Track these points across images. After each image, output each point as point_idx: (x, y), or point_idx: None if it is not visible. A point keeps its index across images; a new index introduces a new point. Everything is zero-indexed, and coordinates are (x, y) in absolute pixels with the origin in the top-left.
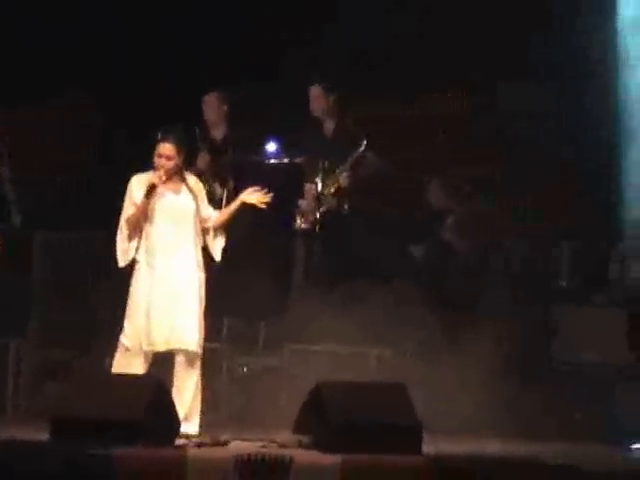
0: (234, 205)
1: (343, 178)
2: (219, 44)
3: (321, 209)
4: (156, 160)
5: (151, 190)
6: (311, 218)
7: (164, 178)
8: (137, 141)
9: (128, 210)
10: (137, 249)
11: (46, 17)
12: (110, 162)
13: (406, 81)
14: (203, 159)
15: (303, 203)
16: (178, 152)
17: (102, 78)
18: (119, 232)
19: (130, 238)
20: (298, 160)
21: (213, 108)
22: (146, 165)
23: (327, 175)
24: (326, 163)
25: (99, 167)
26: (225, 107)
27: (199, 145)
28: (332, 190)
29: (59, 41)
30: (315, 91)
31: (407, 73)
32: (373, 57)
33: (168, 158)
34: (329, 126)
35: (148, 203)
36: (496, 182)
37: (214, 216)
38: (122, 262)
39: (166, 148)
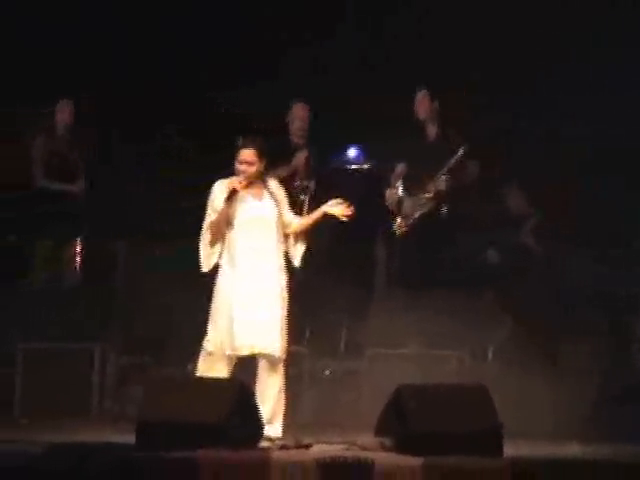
0: (316, 214)
1: (442, 182)
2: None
3: (418, 213)
4: (237, 166)
5: (232, 195)
6: (409, 221)
7: (244, 183)
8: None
9: (210, 216)
10: (220, 254)
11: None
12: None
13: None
14: (300, 157)
15: (405, 205)
16: (259, 158)
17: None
18: (202, 238)
19: (212, 244)
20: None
21: (300, 117)
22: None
23: (426, 179)
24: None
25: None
26: (310, 115)
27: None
28: (431, 194)
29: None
30: (421, 96)
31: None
32: None
33: (249, 164)
34: (432, 131)
35: (229, 208)
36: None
37: (295, 222)
38: (205, 267)
39: (246, 154)
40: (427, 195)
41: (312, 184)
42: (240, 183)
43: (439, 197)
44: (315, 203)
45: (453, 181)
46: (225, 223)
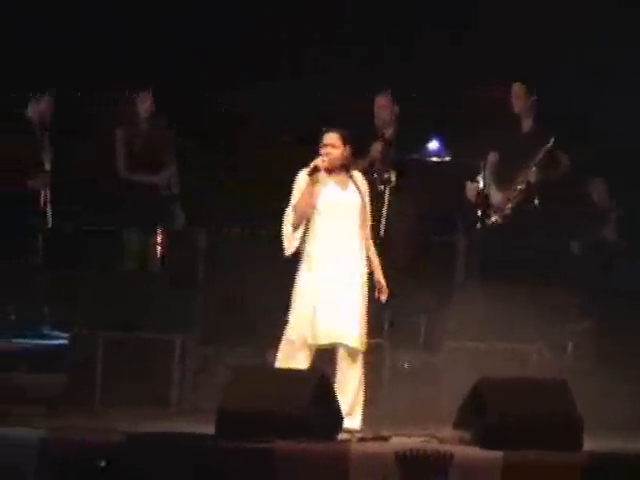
0: (380, 276)
1: (532, 174)
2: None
3: (510, 205)
4: (321, 150)
5: (313, 172)
6: (502, 214)
7: (326, 162)
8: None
9: (294, 199)
10: (302, 240)
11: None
12: None
13: None
14: (376, 148)
15: (495, 197)
16: (343, 142)
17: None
18: (285, 220)
19: (295, 226)
20: (491, 154)
21: (385, 109)
22: None
23: (517, 171)
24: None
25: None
26: (396, 107)
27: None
28: (523, 186)
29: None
30: (517, 89)
31: None
32: None
33: (333, 146)
34: (527, 124)
35: (312, 187)
36: None
37: (372, 251)
38: (289, 250)
39: (330, 137)
40: (519, 187)
41: (392, 175)
42: (323, 162)
43: (530, 189)
44: (396, 194)
45: (544, 174)
46: (308, 205)
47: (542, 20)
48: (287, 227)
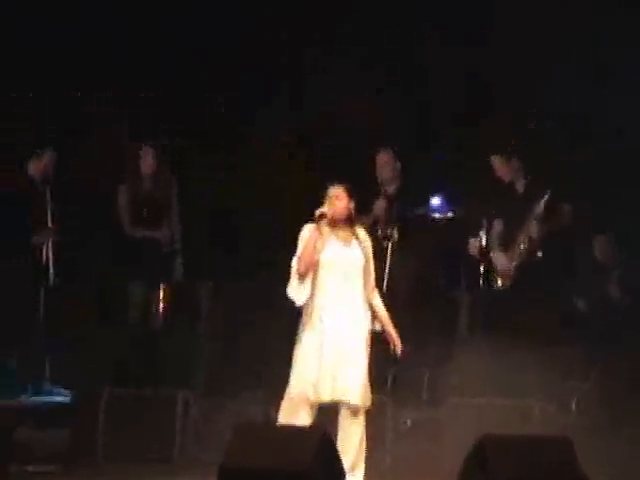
0: (391, 329)
1: (533, 228)
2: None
3: (514, 264)
4: (326, 203)
5: (320, 219)
6: (509, 274)
7: (332, 211)
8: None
9: (299, 250)
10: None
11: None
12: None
13: None
14: (380, 205)
15: (500, 261)
16: (348, 195)
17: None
18: (292, 271)
19: (301, 277)
20: (464, 214)
21: (387, 165)
22: None
23: (519, 231)
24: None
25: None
26: (398, 164)
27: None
28: (525, 243)
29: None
30: (496, 162)
31: None
32: None
33: (337, 198)
34: (520, 186)
35: (317, 239)
36: None
37: (380, 306)
38: (299, 301)
39: (335, 189)
40: (521, 245)
41: (395, 232)
42: (329, 210)
43: (532, 245)
44: (398, 250)
45: (546, 226)
46: (312, 257)
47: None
48: (294, 278)
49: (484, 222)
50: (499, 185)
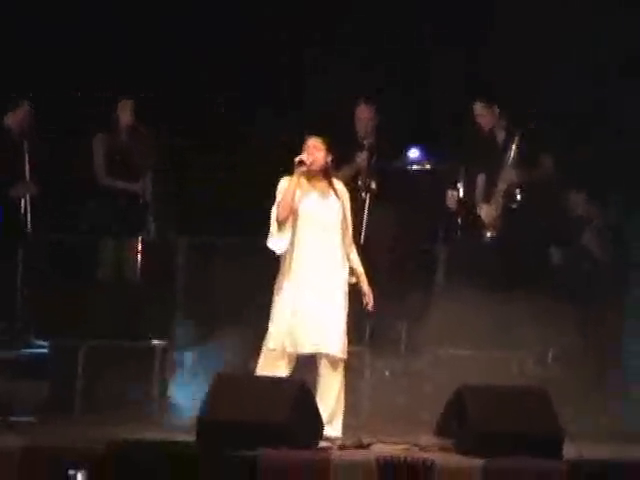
0: (365, 285)
1: (512, 174)
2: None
3: (497, 212)
4: (304, 153)
5: (299, 165)
6: (495, 225)
7: (310, 160)
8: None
9: (278, 198)
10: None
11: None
12: None
13: None
14: (361, 157)
15: (485, 212)
16: (326, 147)
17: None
18: (271, 222)
19: (281, 224)
20: (442, 166)
21: (364, 120)
22: None
23: (496, 180)
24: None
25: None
26: (377, 118)
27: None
28: (504, 187)
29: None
30: (478, 108)
31: None
32: None
33: (316, 148)
34: (500, 135)
35: (295, 188)
36: None
37: (355, 261)
38: (278, 250)
39: (313, 140)
40: (500, 189)
41: (373, 183)
42: (307, 159)
43: (511, 190)
44: (377, 203)
45: (526, 175)
46: (291, 205)
47: (542, 20)
48: (273, 227)
49: (462, 174)
50: (479, 135)
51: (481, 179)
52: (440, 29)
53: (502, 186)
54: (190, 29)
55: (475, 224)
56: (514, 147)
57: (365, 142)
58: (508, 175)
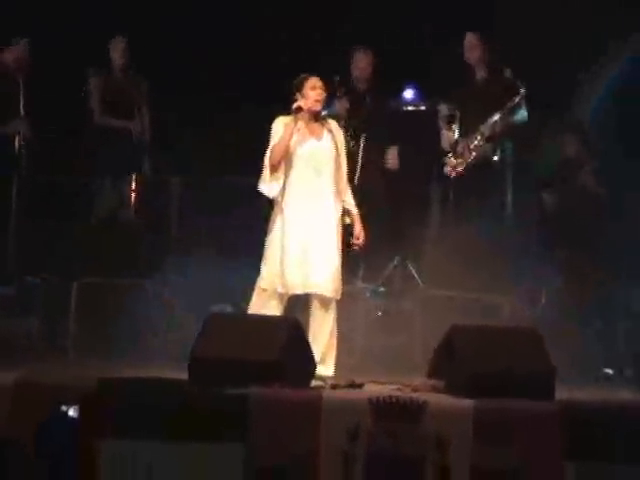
0: (358, 225)
1: (495, 124)
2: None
3: (472, 155)
4: (310, 92)
5: (297, 111)
6: (464, 164)
7: (308, 103)
8: None
9: (273, 141)
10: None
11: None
12: None
13: None
14: (342, 104)
15: (460, 148)
16: (324, 88)
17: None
18: (264, 166)
19: (274, 168)
20: (438, 106)
21: (361, 63)
22: None
23: (478, 122)
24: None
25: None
26: (372, 62)
27: (337, 93)
28: (485, 136)
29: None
30: (471, 38)
31: None
32: None
33: (313, 89)
34: (482, 74)
35: (291, 130)
36: None
37: (348, 202)
38: (270, 193)
39: (318, 80)
40: (479, 137)
41: (362, 138)
42: (311, 102)
43: (493, 139)
44: (370, 144)
45: (505, 124)
46: (285, 148)
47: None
48: (266, 171)
49: (457, 113)
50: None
51: (444, 109)
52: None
53: (483, 134)
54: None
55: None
56: (513, 102)
57: (362, 87)
58: (492, 124)
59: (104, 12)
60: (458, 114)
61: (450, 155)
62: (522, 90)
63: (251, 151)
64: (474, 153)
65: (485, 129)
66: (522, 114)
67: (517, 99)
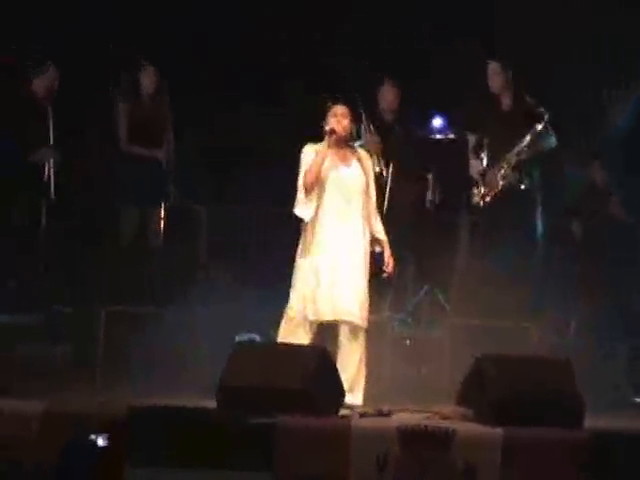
0: (387, 253)
1: (522, 152)
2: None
3: (501, 184)
4: (330, 120)
5: (330, 135)
6: (493, 192)
7: (341, 128)
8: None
9: (304, 168)
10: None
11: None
12: None
13: None
14: (371, 136)
15: (488, 177)
16: (352, 115)
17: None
18: (299, 190)
19: (308, 193)
20: (466, 136)
21: (389, 96)
22: None
23: (505, 150)
24: (499, 138)
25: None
26: (399, 94)
27: (364, 126)
28: (512, 164)
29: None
30: (493, 67)
31: None
32: None
33: (343, 116)
34: (506, 102)
35: (322, 157)
36: None
37: (378, 230)
38: (306, 217)
39: (340, 108)
40: (506, 165)
41: (384, 167)
42: (338, 124)
43: (519, 167)
44: (400, 175)
45: (532, 151)
46: (317, 174)
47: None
48: (300, 194)
49: (485, 143)
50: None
51: (473, 139)
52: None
53: (510, 162)
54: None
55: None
56: (537, 130)
57: (390, 118)
58: (519, 153)
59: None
60: (486, 143)
61: (479, 185)
62: (546, 116)
63: (279, 180)
64: (502, 182)
65: (512, 157)
66: (549, 140)
67: (541, 126)
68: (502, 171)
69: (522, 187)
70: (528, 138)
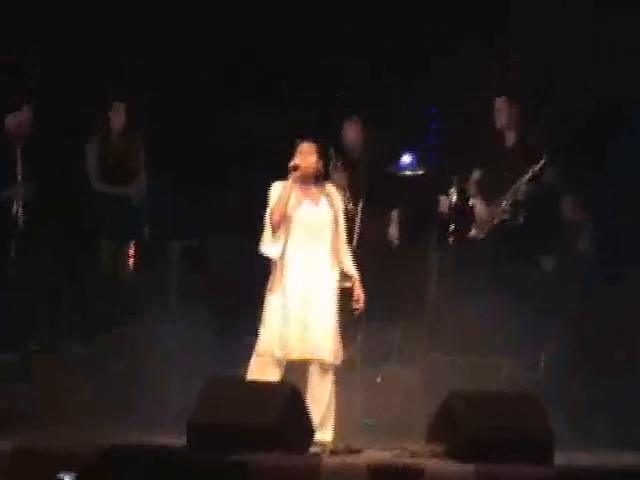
0: (357, 288)
1: (522, 190)
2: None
3: (497, 219)
4: (297, 157)
5: (294, 170)
6: (487, 227)
7: (304, 165)
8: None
9: (271, 205)
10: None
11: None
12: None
13: None
14: (339, 173)
15: (481, 213)
16: (318, 153)
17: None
18: (265, 228)
19: (275, 230)
20: (475, 172)
21: (351, 133)
22: None
23: (506, 187)
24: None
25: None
26: (361, 130)
27: (334, 163)
28: (510, 201)
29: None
30: (501, 102)
31: None
32: None
33: (309, 152)
34: (510, 139)
35: (288, 194)
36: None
37: (348, 266)
38: (272, 255)
39: (306, 146)
40: (505, 202)
41: (360, 203)
42: (302, 162)
43: (517, 205)
44: (369, 211)
45: (532, 189)
46: (283, 211)
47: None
48: (267, 232)
49: (455, 180)
50: (487, 133)
51: (477, 174)
52: (440, 29)
53: (508, 198)
54: (190, 29)
55: (465, 219)
56: (537, 168)
57: (355, 156)
58: (519, 191)
59: (108, 72)
60: (487, 179)
61: (449, 221)
62: (543, 158)
63: (251, 214)
64: (497, 218)
65: (512, 193)
66: (547, 179)
67: (538, 166)
68: (501, 207)
69: (521, 221)
70: (528, 176)
